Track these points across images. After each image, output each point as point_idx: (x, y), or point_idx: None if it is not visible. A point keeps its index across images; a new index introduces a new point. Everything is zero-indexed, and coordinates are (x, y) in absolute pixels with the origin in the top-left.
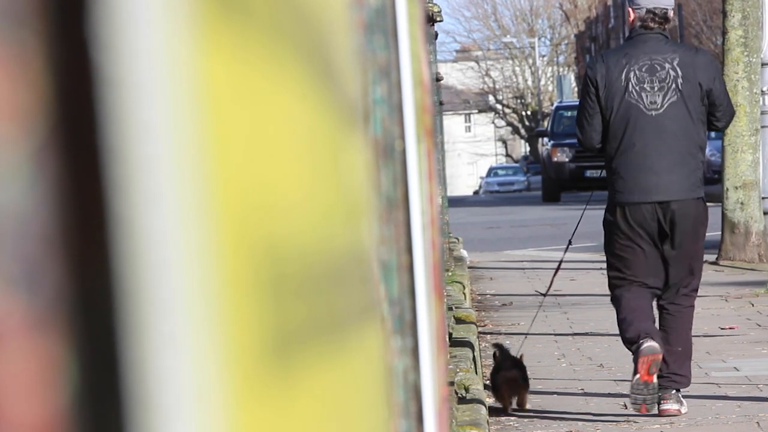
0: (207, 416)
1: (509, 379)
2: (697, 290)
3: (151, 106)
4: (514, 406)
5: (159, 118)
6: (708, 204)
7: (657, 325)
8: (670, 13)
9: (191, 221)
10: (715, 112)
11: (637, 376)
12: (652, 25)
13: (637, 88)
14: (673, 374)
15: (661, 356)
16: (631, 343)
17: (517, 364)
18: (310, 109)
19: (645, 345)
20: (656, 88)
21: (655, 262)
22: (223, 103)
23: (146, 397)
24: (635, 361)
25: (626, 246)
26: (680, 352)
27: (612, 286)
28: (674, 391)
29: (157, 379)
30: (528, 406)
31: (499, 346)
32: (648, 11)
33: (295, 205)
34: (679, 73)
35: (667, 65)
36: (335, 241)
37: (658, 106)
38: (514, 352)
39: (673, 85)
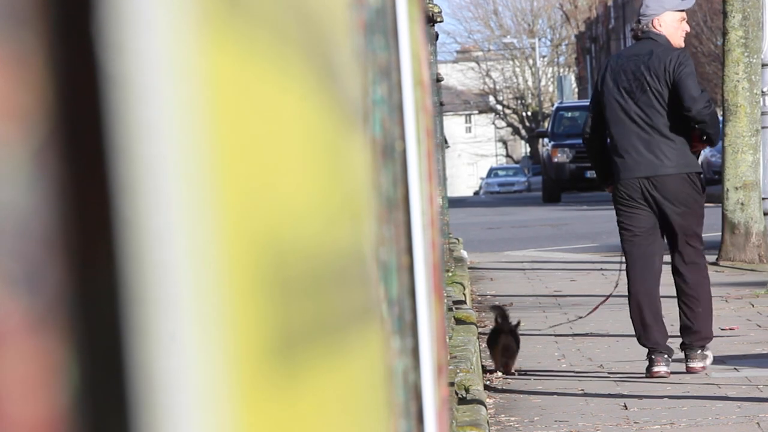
0: (212, 416)
1: (506, 344)
2: (702, 256)
3: (156, 106)
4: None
5: (163, 118)
6: (708, 204)
7: (669, 295)
8: (643, 20)
9: (196, 221)
10: (683, 103)
11: (649, 374)
12: (638, 34)
13: (618, 86)
14: (697, 334)
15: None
16: (642, 345)
17: (513, 332)
18: (312, 109)
19: (656, 368)
20: (632, 84)
21: (655, 223)
22: (227, 104)
23: (151, 397)
24: (647, 367)
25: (627, 211)
26: (701, 313)
27: (623, 244)
28: (699, 350)
29: (162, 379)
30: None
31: (498, 308)
32: (636, 23)
33: (298, 206)
34: (649, 69)
35: (641, 64)
36: (337, 242)
37: (635, 99)
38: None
39: (643, 80)
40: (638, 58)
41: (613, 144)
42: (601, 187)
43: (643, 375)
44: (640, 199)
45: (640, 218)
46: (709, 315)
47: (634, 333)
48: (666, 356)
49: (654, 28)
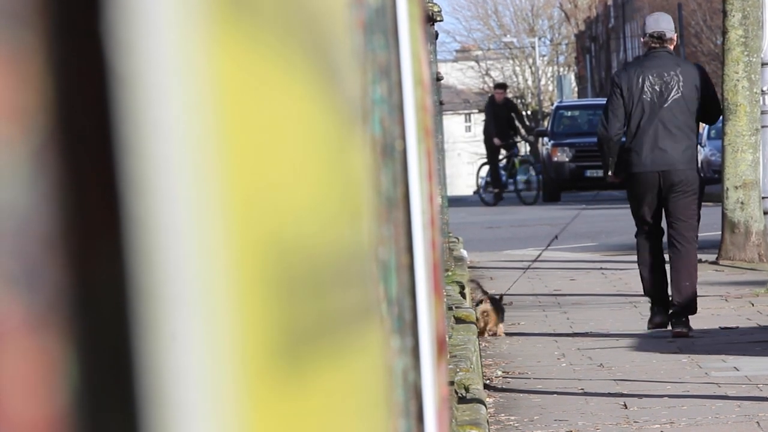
0: (218, 414)
1: (484, 311)
2: (696, 235)
3: (163, 105)
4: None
5: (170, 117)
6: (708, 204)
7: (666, 266)
8: (668, 35)
9: (202, 220)
10: (706, 110)
11: (649, 326)
12: (654, 45)
13: (651, 89)
14: (682, 304)
15: (664, 325)
16: (647, 297)
17: (494, 300)
18: (313, 108)
19: (655, 319)
20: (664, 89)
21: (659, 214)
22: (233, 103)
23: (154, 397)
24: (650, 318)
25: (642, 201)
26: (687, 286)
27: (636, 230)
28: (684, 319)
29: (167, 378)
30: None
31: (474, 281)
32: (650, 35)
33: (299, 205)
34: (681, 79)
35: (672, 73)
36: (337, 241)
37: (665, 102)
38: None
39: (677, 87)
40: (669, 68)
41: (639, 139)
42: (606, 178)
43: (643, 375)
44: (658, 188)
45: (653, 207)
46: (693, 289)
47: (634, 332)
48: (684, 320)
49: (672, 44)
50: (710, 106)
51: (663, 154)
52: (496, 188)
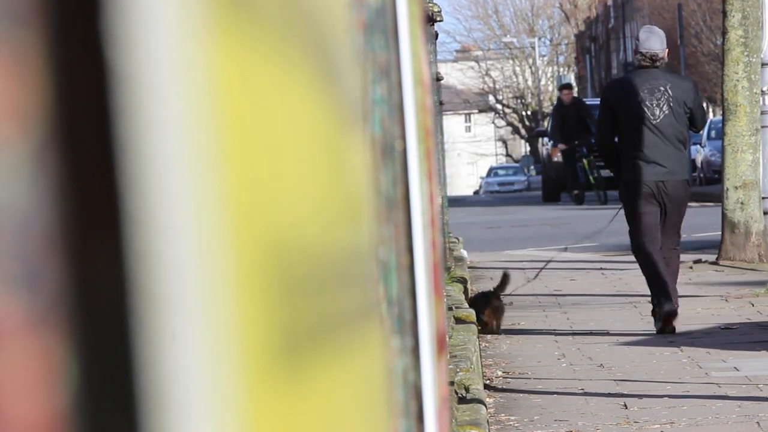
0: (218, 415)
1: (497, 306)
2: (680, 243)
3: (163, 105)
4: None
5: (170, 117)
6: (708, 204)
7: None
8: (659, 55)
9: (202, 221)
10: (694, 122)
11: (660, 324)
12: (643, 63)
13: (642, 104)
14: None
15: (676, 314)
16: (655, 302)
17: (498, 296)
18: (313, 108)
19: (666, 308)
20: (655, 105)
21: (656, 222)
22: (233, 103)
23: (154, 397)
24: (659, 317)
25: (637, 211)
26: (674, 290)
27: (632, 240)
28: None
29: (166, 379)
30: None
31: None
32: (639, 53)
33: (300, 205)
34: (671, 94)
35: (662, 89)
36: (338, 242)
37: (657, 117)
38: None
39: (667, 103)
40: (658, 84)
41: (633, 152)
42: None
43: (643, 375)
44: (652, 199)
45: (649, 216)
46: (675, 283)
47: (634, 332)
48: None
49: (664, 60)
50: (696, 118)
51: (655, 166)
52: (576, 188)
